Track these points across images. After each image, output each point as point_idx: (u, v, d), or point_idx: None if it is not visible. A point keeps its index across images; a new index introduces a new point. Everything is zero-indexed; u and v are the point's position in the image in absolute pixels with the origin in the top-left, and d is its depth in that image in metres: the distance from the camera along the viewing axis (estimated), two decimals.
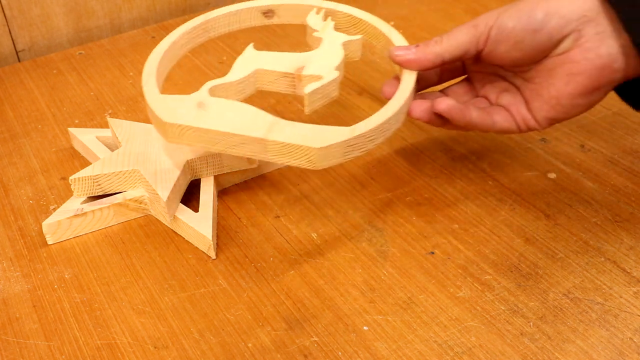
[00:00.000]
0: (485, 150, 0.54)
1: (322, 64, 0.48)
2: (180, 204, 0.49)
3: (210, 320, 0.42)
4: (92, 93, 0.65)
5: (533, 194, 0.50)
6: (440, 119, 0.46)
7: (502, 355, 0.39)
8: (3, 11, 0.73)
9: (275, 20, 0.55)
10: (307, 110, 0.46)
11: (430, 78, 0.50)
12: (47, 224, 0.47)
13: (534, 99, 0.46)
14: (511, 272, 0.44)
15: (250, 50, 0.50)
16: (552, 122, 0.46)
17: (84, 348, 0.41)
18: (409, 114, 0.46)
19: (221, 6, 0.83)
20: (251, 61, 0.49)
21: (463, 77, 0.51)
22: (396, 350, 0.39)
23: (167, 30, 0.77)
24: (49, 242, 0.48)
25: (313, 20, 0.52)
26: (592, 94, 0.44)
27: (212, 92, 0.47)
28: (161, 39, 0.75)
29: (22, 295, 0.44)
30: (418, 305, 0.42)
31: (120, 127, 0.53)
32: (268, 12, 0.54)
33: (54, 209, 0.50)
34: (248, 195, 0.52)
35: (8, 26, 0.74)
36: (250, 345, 0.40)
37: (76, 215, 0.48)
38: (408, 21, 0.75)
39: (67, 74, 0.69)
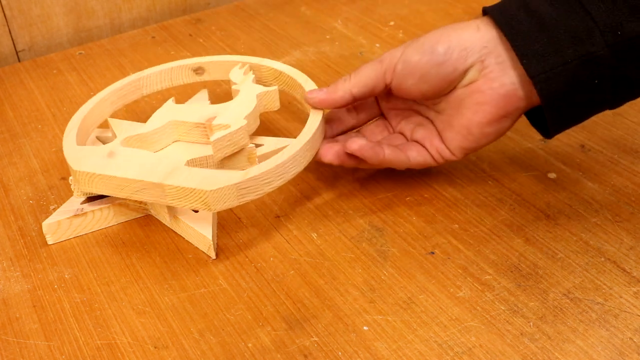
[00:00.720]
0: (485, 150, 0.54)
1: (231, 114, 0.50)
2: None
3: (210, 320, 0.42)
4: (92, 93, 0.65)
5: (533, 194, 0.50)
6: (354, 160, 0.48)
7: (502, 355, 0.39)
8: (3, 11, 0.73)
9: (205, 77, 0.58)
10: (215, 157, 0.49)
11: (347, 121, 0.52)
12: (47, 224, 0.47)
13: (446, 130, 0.47)
14: (511, 272, 0.44)
15: (168, 104, 0.53)
16: (465, 151, 0.47)
17: (84, 348, 0.41)
18: (320, 159, 0.48)
19: (221, 5, 0.83)
20: (167, 113, 0.52)
21: (379, 116, 0.53)
22: (396, 350, 0.39)
23: (167, 30, 0.77)
24: (49, 242, 0.48)
25: (234, 75, 0.56)
26: (500, 122, 0.45)
27: (128, 142, 0.49)
28: (161, 39, 0.75)
29: (22, 295, 0.44)
30: (418, 305, 0.42)
31: (120, 127, 0.53)
32: (198, 69, 0.58)
33: (54, 209, 0.50)
34: None
35: (8, 26, 0.74)
36: (250, 345, 0.40)
37: (76, 215, 0.48)
38: (408, 21, 0.75)
39: (67, 74, 0.69)
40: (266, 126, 0.59)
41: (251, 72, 0.56)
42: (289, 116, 0.60)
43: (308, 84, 0.53)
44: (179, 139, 0.52)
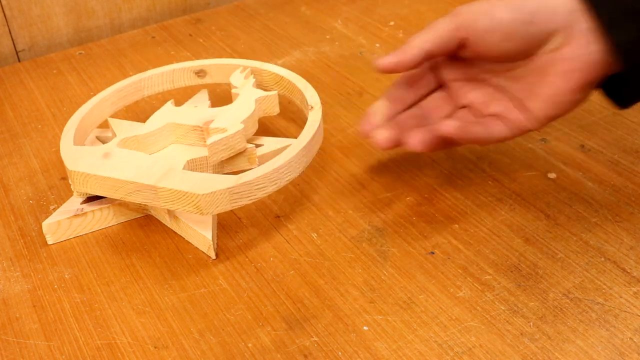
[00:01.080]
0: (485, 150, 0.54)
1: (229, 118, 0.50)
2: None
3: (210, 320, 0.42)
4: (92, 93, 0.65)
5: (533, 194, 0.50)
6: (443, 143, 0.45)
7: (502, 355, 0.39)
8: (3, 11, 0.73)
9: (207, 80, 0.58)
10: (211, 160, 0.49)
11: (408, 98, 0.48)
12: (47, 224, 0.47)
13: (531, 99, 0.45)
14: (511, 272, 0.44)
15: (167, 106, 0.53)
16: (551, 119, 0.45)
17: (84, 348, 0.41)
18: (407, 147, 0.45)
19: (221, 5, 0.83)
20: (165, 115, 0.52)
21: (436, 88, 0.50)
22: (396, 350, 0.39)
23: (167, 30, 0.77)
24: (49, 242, 0.48)
25: (235, 79, 0.56)
26: (586, 90, 0.44)
27: (125, 143, 0.49)
28: (161, 39, 0.75)
29: (22, 295, 0.44)
30: (418, 305, 0.42)
31: (120, 127, 0.53)
32: (200, 72, 0.58)
33: (54, 209, 0.50)
34: None
35: (8, 26, 0.74)
36: (250, 345, 0.40)
37: (76, 215, 0.48)
38: (408, 21, 0.75)
39: (67, 74, 0.69)
40: (265, 127, 0.59)
41: (252, 76, 0.56)
42: (288, 117, 0.60)
43: (308, 90, 0.53)
44: (177, 142, 0.52)
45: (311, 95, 0.52)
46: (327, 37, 0.73)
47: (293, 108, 0.61)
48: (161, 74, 0.57)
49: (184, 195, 0.43)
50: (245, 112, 0.51)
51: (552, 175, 0.52)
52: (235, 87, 0.55)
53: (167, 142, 0.52)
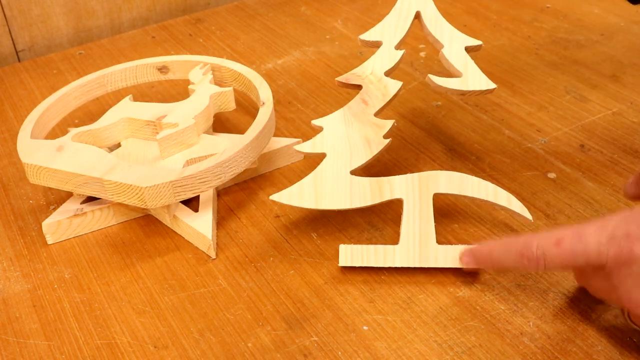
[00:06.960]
0: (485, 150, 0.54)
1: (181, 113, 0.52)
2: (180, 203, 0.49)
3: (210, 320, 0.42)
4: None
5: (533, 194, 0.50)
6: None
7: (502, 355, 0.39)
8: (3, 11, 0.73)
9: (170, 76, 0.59)
10: (162, 155, 0.50)
11: None
12: (47, 223, 0.47)
13: None
14: (511, 272, 0.44)
15: (124, 101, 0.55)
16: None
17: (84, 348, 0.41)
18: None
19: (221, 5, 0.83)
20: (121, 110, 0.53)
21: None
22: (396, 350, 0.39)
23: (167, 30, 0.77)
24: (49, 242, 0.48)
25: (193, 75, 0.57)
26: None
27: (80, 137, 0.50)
28: (161, 39, 0.75)
29: (22, 295, 0.44)
30: (418, 305, 0.42)
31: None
32: (163, 68, 0.59)
33: (54, 209, 0.50)
34: (248, 195, 0.52)
35: (8, 26, 0.74)
36: (250, 345, 0.40)
37: (76, 215, 0.48)
38: None
39: (67, 74, 0.69)
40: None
41: (210, 72, 0.57)
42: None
43: (263, 87, 0.53)
44: (132, 136, 0.53)
45: (264, 92, 0.53)
46: (327, 37, 0.73)
47: (293, 108, 0.61)
48: (124, 70, 0.58)
49: (128, 188, 0.45)
50: (198, 107, 0.52)
51: (552, 175, 0.52)
52: (193, 83, 0.56)
53: (122, 136, 0.53)
